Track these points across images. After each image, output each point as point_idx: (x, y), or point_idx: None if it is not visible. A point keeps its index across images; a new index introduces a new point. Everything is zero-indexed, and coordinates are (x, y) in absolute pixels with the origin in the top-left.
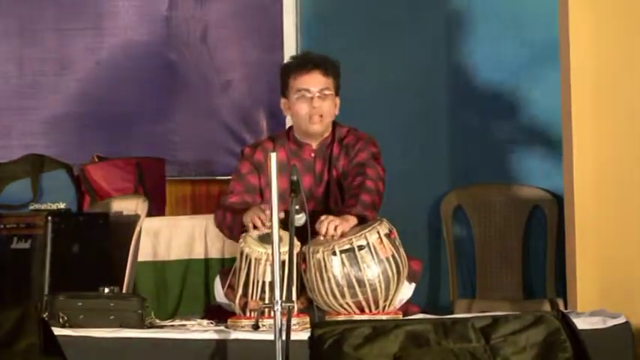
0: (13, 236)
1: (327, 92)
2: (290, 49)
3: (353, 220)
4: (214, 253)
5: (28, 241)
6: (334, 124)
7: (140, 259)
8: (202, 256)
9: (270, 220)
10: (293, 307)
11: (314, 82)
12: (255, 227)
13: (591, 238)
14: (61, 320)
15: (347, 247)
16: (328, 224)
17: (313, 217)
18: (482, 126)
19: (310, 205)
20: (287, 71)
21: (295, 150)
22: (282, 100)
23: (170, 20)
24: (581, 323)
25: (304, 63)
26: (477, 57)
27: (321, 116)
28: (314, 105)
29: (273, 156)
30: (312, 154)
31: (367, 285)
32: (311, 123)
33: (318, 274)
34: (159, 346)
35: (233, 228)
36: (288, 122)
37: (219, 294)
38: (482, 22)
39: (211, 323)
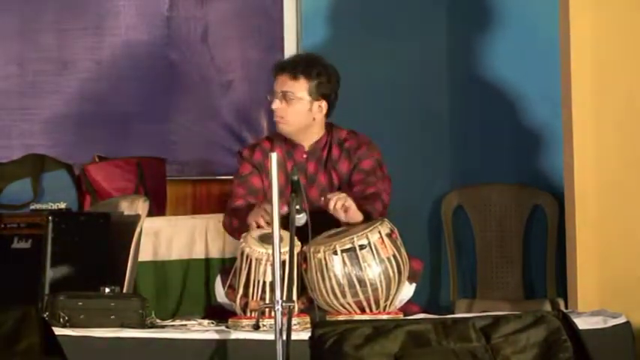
0: (13, 236)
1: (289, 95)
2: (290, 49)
3: (360, 216)
4: (215, 253)
5: (29, 241)
6: (330, 125)
7: (141, 258)
8: (203, 256)
9: (272, 219)
10: (293, 307)
11: (279, 84)
12: (258, 226)
13: (592, 238)
14: (61, 320)
15: (348, 246)
16: (337, 201)
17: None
18: (482, 126)
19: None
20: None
21: (289, 150)
22: None
23: (171, 20)
24: (582, 323)
25: (278, 66)
26: (478, 57)
27: (282, 117)
28: (272, 107)
29: (274, 156)
30: (304, 156)
31: (368, 285)
32: (276, 123)
33: (319, 273)
34: (159, 346)
35: (241, 231)
36: None
37: (220, 294)
38: (484, 21)
39: (212, 323)
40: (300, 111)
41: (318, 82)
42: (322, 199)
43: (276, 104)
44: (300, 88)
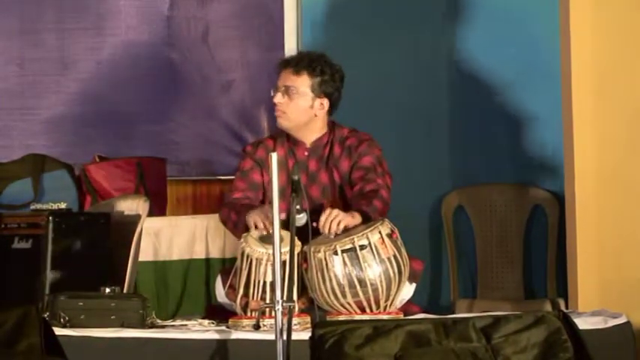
0: (14, 236)
1: (291, 90)
2: (291, 48)
3: (358, 218)
4: (215, 253)
5: (30, 241)
6: (333, 124)
7: (141, 258)
8: (203, 256)
9: (272, 221)
10: (294, 307)
11: (282, 79)
12: (256, 227)
13: (592, 238)
14: (62, 320)
15: (349, 246)
16: (331, 223)
17: (309, 217)
18: (483, 126)
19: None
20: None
21: (291, 148)
22: None
23: (171, 20)
24: (582, 323)
25: (282, 61)
26: (479, 56)
27: (284, 112)
28: (274, 100)
29: (274, 156)
30: (306, 153)
31: (368, 285)
32: (276, 118)
33: (319, 273)
34: (160, 346)
35: (237, 225)
36: None
37: (220, 294)
38: (484, 20)
39: (212, 323)
40: (302, 107)
41: (322, 79)
42: (315, 224)
43: (278, 98)
44: (302, 84)
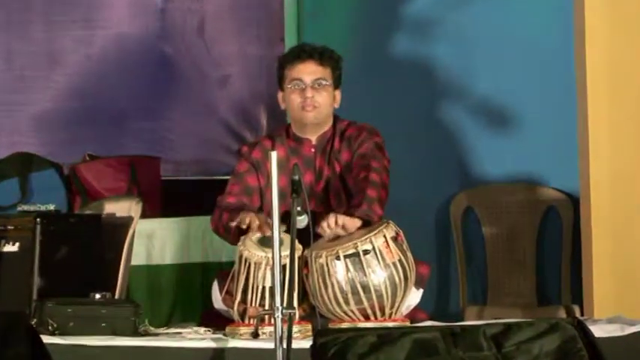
0: (0, 239)
1: (322, 82)
2: (291, 42)
3: (358, 222)
4: (211, 257)
5: (16, 243)
6: (335, 118)
7: (133, 262)
8: (199, 260)
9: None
10: (294, 314)
11: (308, 71)
12: (248, 227)
13: (608, 241)
14: (50, 327)
15: (351, 251)
16: (328, 220)
17: (314, 216)
18: (492, 124)
19: (311, 203)
20: (282, 62)
21: (295, 147)
22: (280, 94)
23: (165, 12)
24: (598, 331)
25: (298, 52)
26: (486, 55)
27: (315, 106)
28: (307, 95)
29: (274, 155)
30: (313, 150)
31: (372, 291)
32: (304, 111)
33: (320, 279)
34: (153, 354)
35: (230, 229)
36: (289, 119)
37: (217, 300)
38: (490, 18)
39: (208, 331)
40: (329, 99)
41: (339, 72)
42: (318, 228)
43: (311, 92)
44: (328, 76)
